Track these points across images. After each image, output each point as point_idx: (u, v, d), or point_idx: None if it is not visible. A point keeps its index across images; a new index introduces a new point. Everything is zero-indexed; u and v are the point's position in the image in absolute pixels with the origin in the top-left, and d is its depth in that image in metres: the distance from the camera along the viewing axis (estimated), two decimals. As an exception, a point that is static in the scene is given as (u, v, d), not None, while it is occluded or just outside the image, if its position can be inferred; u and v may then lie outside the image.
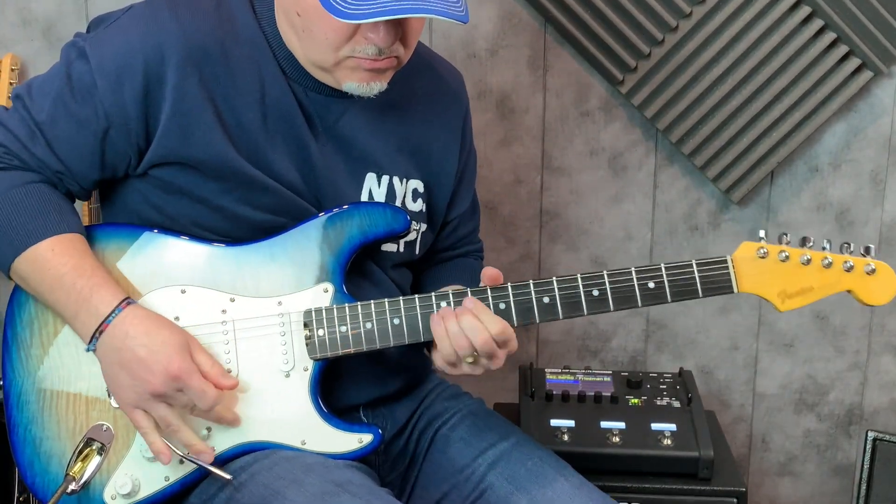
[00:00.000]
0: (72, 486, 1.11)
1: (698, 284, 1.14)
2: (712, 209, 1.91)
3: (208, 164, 1.13)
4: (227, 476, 1.11)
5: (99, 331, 1.09)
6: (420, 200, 1.28)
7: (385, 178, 1.25)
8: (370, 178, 1.24)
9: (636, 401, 1.62)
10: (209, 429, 1.14)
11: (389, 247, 1.26)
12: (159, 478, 1.14)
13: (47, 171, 1.14)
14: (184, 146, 1.12)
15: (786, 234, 1.16)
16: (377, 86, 1.14)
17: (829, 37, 1.76)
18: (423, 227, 1.30)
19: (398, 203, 1.25)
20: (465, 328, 1.09)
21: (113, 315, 1.08)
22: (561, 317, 1.14)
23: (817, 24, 1.74)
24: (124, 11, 1.15)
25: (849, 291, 1.16)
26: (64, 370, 1.16)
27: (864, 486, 1.80)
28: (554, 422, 1.58)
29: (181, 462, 1.13)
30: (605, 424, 1.57)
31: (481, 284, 1.15)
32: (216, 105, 1.13)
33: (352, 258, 1.19)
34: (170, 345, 1.09)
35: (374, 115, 1.23)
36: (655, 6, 1.74)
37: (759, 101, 1.80)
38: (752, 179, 1.84)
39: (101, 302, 1.09)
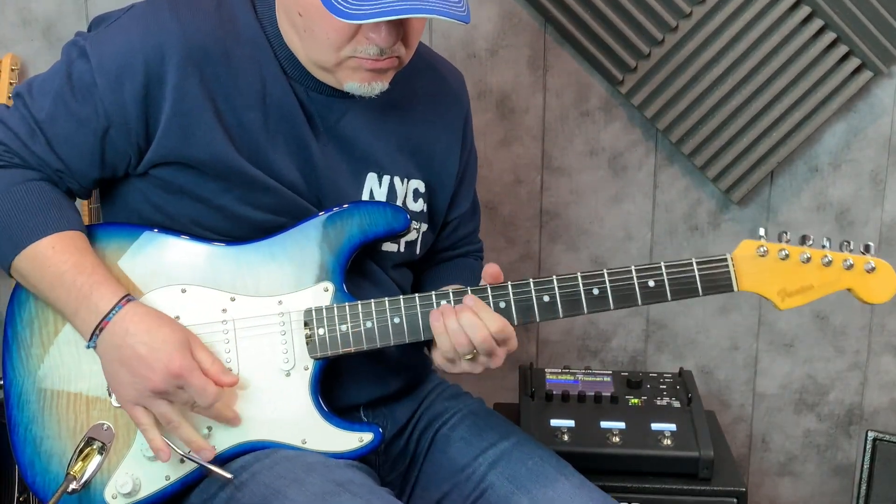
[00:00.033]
0: (72, 486, 1.11)
1: (698, 283, 1.15)
2: (712, 209, 1.92)
3: (209, 163, 1.13)
4: (228, 475, 1.12)
5: (99, 328, 1.09)
6: (421, 200, 1.28)
7: (386, 178, 1.25)
8: (371, 177, 1.24)
9: (636, 401, 1.62)
10: (210, 428, 1.14)
11: (390, 247, 1.26)
12: (160, 477, 1.14)
13: (47, 170, 1.14)
14: (184, 146, 1.12)
15: (785, 233, 1.16)
16: (378, 86, 1.14)
17: (829, 37, 1.76)
18: (424, 227, 1.30)
19: (399, 203, 1.25)
20: (464, 325, 1.09)
21: (113, 312, 1.09)
22: (561, 315, 1.14)
23: (817, 24, 1.75)
24: (125, 11, 1.16)
25: (849, 290, 1.16)
26: (64, 369, 1.16)
27: (864, 486, 1.80)
28: (554, 422, 1.58)
29: (182, 461, 1.13)
30: (605, 424, 1.57)
31: (482, 281, 1.15)
32: (217, 105, 1.13)
33: (352, 257, 1.19)
34: (170, 342, 1.09)
35: (376, 115, 1.23)
36: (655, 6, 1.75)
37: (759, 100, 1.80)
38: (752, 179, 1.85)
39: (101, 299, 1.09)
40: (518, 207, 1.93)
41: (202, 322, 1.15)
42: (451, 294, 1.14)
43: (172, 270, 1.17)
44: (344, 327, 1.16)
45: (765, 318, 1.98)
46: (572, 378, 1.71)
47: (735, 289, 1.16)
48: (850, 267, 1.15)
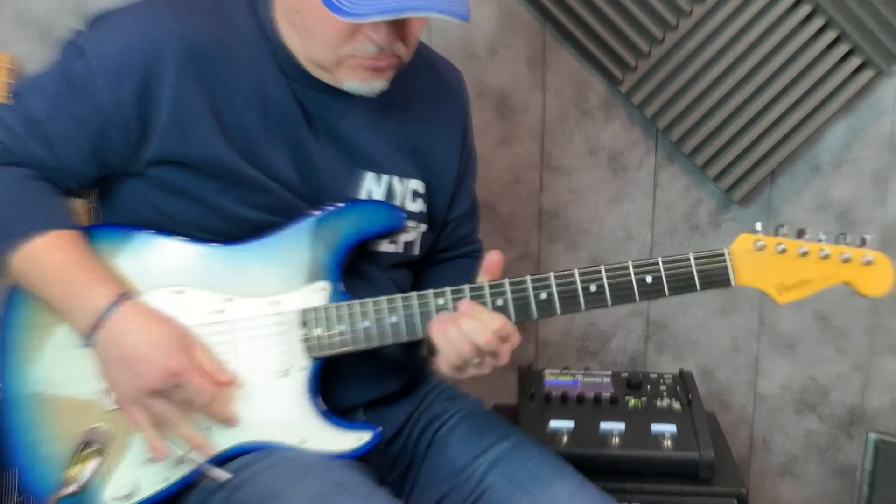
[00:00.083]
0: (71, 489, 1.11)
1: (696, 277, 1.15)
2: (713, 209, 1.92)
3: (207, 163, 1.14)
4: (227, 475, 1.12)
5: (96, 326, 1.09)
6: (420, 200, 1.28)
7: (385, 178, 1.25)
8: (369, 177, 1.24)
9: (636, 402, 1.62)
10: (208, 428, 1.14)
11: (388, 247, 1.26)
12: (159, 478, 1.14)
13: (46, 169, 1.14)
14: (182, 145, 1.13)
15: (783, 227, 1.17)
16: (378, 85, 1.15)
17: (830, 35, 1.76)
18: (423, 227, 1.29)
19: (398, 203, 1.25)
20: (465, 331, 1.09)
21: (111, 311, 1.09)
22: (559, 312, 1.14)
23: (818, 22, 1.75)
24: (124, 10, 1.16)
25: (847, 283, 1.16)
26: (60, 372, 1.16)
27: (865, 488, 1.81)
28: (553, 423, 1.58)
29: (180, 462, 1.13)
30: (604, 426, 1.57)
31: (481, 273, 1.15)
32: (215, 104, 1.13)
33: (348, 256, 1.19)
34: (168, 340, 1.09)
35: (375, 114, 1.23)
36: (656, 5, 1.75)
37: (760, 100, 1.80)
38: (753, 179, 1.85)
39: (98, 297, 1.09)
40: (517, 207, 1.93)
41: (199, 323, 1.15)
42: (448, 292, 1.14)
43: (169, 271, 1.17)
44: (341, 327, 1.16)
45: (766, 319, 1.98)
46: (572, 379, 1.71)
47: (732, 283, 1.16)
48: (848, 260, 1.15)
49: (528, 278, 1.14)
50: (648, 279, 1.14)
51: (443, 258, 1.40)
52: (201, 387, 1.09)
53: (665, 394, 1.66)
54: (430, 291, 1.16)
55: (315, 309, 1.17)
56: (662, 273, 1.14)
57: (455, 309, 1.13)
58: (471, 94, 1.41)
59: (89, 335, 1.10)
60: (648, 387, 1.68)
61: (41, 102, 1.13)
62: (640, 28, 1.76)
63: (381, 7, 1.02)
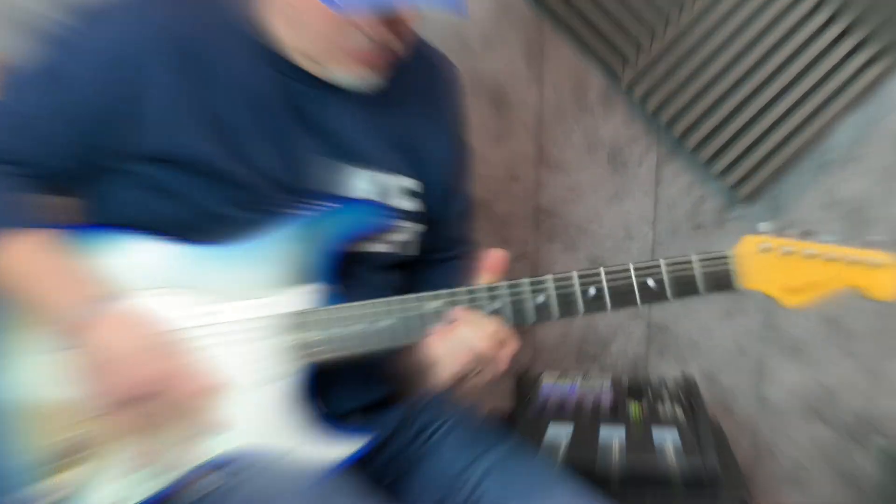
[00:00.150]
0: (54, 499, 1.10)
1: (699, 281, 1.14)
2: (718, 207, 1.91)
3: (192, 160, 1.13)
4: (215, 484, 1.10)
5: (74, 330, 1.08)
6: (412, 199, 1.28)
7: (375, 175, 1.24)
8: (361, 175, 1.23)
9: (637, 408, 1.62)
10: (194, 435, 1.13)
11: (382, 247, 1.26)
12: (145, 486, 1.13)
13: (25, 165, 1.14)
14: (167, 142, 1.12)
15: (789, 227, 1.17)
16: (371, 79, 1.15)
17: (840, 25, 1.75)
18: (416, 227, 1.29)
19: (390, 201, 1.25)
20: (461, 340, 1.10)
21: (89, 314, 1.08)
22: (557, 317, 1.13)
23: (827, 12, 1.74)
24: (109, 3, 1.15)
25: (856, 286, 1.16)
26: (36, 380, 1.15)
27: (874, 496, 1.82)
28: (551, 429, 1.57)
29: (167, 469, 1.12)
30: (604, 432, 1.57)
31: (483, 270, 1.15)
32: (202, 100, 1.13)
33: (339, 257, 1.18)
34: (150, 345, 1.09)
35: (367, 110, 1.22)
36: (657, -6, 1.75)
37: (767, 92, 1.79)
38: (760, 175, 1.84)
39: (76, 301, 1.08)
40: (513, 206, 1.93)
41: (183, 326, 1.14)
42: (445, 295, 1.14)
43: (152, 273, 1.16)
44: (332, 330, 1.15)
45: (772, 322, 1.97)
46: (570, 384, 1.71)
47: (738, 287, 1.16)
48: (857, 263, 1.14)
49: (527, 281, 1.14)
50: (650, 283, 1.13)
51: (437, 259, 1.39)
52: (184, 393, 1.09)
53: (667, 399, 1.65)
54: (426, 294, 1.15)
55: (305, 312, 1.16)
56: (664, 276, 1.13)
57: (449, 314, 1.13)
58: (465, 89, 1.41)
59: (67, 338, 1.09)
60: (650, 392, 1.68)
61: (22, 97, 1.13)
62: (641, 19, 1.75)
63: (375, 0, 1.02)
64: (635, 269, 1.15)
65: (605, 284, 1.14)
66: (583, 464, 1.50)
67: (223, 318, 1.17)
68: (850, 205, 1.91)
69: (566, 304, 1.14)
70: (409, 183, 1.28)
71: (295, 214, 1.19)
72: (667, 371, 2.00)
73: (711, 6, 1.76)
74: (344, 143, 1.23)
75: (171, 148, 1.13)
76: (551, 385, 1.72)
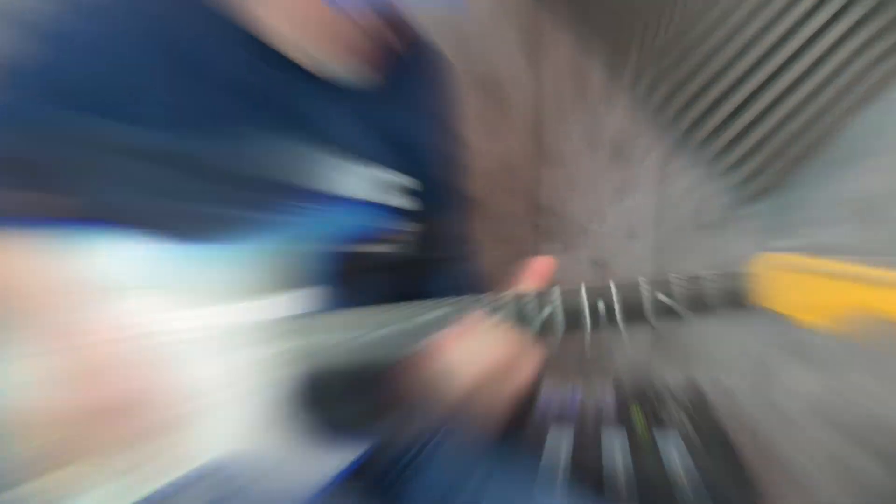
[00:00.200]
0: None
1: (713, 300, 1.12)
2: (725, 205, 1.89)
3: (174, 152, 1.13)
4: (202, 495, 1.09)
5: (53, 335, 1.07)
6: (407, 197, 1.27)
7: (370, 173, 1.23)
8: (354, 171, 1.22)
9: (640, 415, 1.62)
10: (172, 450, 1.10)
11: (376, 248, 1.25)
12: (124, 496, 1.11)
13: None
14: (145, 134, 1.12)
15: (807, 239, 1.15)
16: (364, 73, 1.15)
17: (858, 12, 1.72)
18: (413, 226, 1.28)
19: (384, 200, 1.24)
20: (477, 347, 1.08)
21: (69, 318, 1.07)
22: (561, 332, 1.11)
23: (841, 0, 1.71)
24: None
25: (877, 308, 1.14)
26: (12, 384, 1.11)
27: (887, 506, 1.81)
28: (552, 435, 1.58)
29: (144, 479, 1.11)
30: (607, 438, 1.57)
31: (527, 275, 1.13)
32: (186, 93, 1.13)
33: (332, 259, 1.18)
34: (124, 356, 1.07)
35: (360, 104, 1.22)
36: (663, -20, 1.72)
37: (778, 85, 1.76)
38: (770, 172, 1.82)
39: (56, 304, 1.08)
40: (511, 203, 1.93)
41: (166, 332, 1.12)
42: (446, 304, 1.12)
43: (132, 274, 1.14)
44: (325, 337, 1.14)
45: (786, 326, 1.96)
46: (570, 391, 1.70)
47: (753, 306, 1.14)
48: (881, 283, 1.13)
49: (536, 292, 1.10)
50: (663, 299, 1.11)
51: (436, 259, 1.38)
52: (162, 407, 1.07)
53: (671, 404, 1.66)
54: (428, 302, 1.13)
55: (298, 318, 1.14)
56: (675, 293, 1.11)
57: (463, 320, 1.10)
58: (460, 80, 1.40)
59: (44, 343, 1.07)
60: (654, 396, 1.67)
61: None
62: (645, 6, 1.74)
63: None
64: (646, 285, 1.14)
65: (615, 299, 1.13)
66: (585, 470, 1.49)
67: (209, 325, 1.16)
68: (867, 204, 1.89)
69: (573, 319, 1.11)
70: (404, 181, 1.27)
71: (285, 213, 1.18)
72: (671, 375, 1.96)
73: (719, -6, 1.74)
74: (337, 138, 1.22)
75: (152, 139, 1.12)
76: (552, 390, 1.71)
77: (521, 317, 1.10)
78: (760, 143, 1.83)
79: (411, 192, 1.27)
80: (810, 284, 1.14)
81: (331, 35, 1.10)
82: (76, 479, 1.13)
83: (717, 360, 1.98)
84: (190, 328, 1.15)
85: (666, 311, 1.12)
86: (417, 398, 1.23)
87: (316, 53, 1.12)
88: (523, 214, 1.93)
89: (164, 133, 1.11)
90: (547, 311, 1.12)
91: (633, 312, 1.13)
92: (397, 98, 1.27)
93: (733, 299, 1.14)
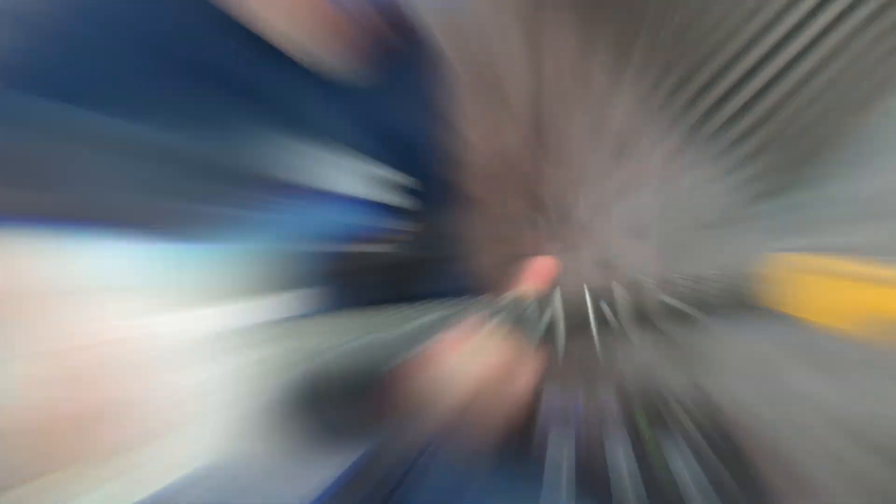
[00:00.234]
0: None
1: (718, 302, 1.11)
2: (734, 203, 1.87)
3: (157, 143, 1.12)
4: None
5: (25, 339, 1.04)
6: (402, 195, 1.27)
7: (363, 169, 1.23)
8: (346, 168, 1.22)
9: (646, 423, 1.61)
10: (158, 458, 1.11)
11: (370, 248, 1.25)
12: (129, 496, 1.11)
13: None
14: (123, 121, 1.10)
15: (819, 239, 1.15)
16: (359, 67, 1.15)
17: (872, 5, 1.69)
18: (408, 224, 1.29)
19: (378, 198, 1.24)
20: (473, 355, 1.07)
21: (41, 322, 1.05)
22: (564, 337, 1.09)
23: None
24: None
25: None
26: None
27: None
28: (552, 447, 1.55)
29: (131, 486, 1.10)
30: (610, 450, 1.55)
31: (527, 276, 1.12)
32: (161, 76, 1.12)
33: (326, 260, 1.18)
34: (107, 361, 1.05)
35: (354, 99, 1.21)
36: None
37: (793, 75, 1.74)
38: (782, 168, 1.81)
39: (28, 307, 1.05)
40: (509, 201, 1.91)
41: (149, 337, 1.10)
42: (442, 305, 1.11)
43: (112, 275, 1.13)
44: (317, 343, 1.14)
45: (797, 328, 1.95)
46: (572, 398, 1.69)
47: (763, 309, 1.14)
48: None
49: (533, 296, 1.10)
50: (667, 301, 1.11)
51: (430, 260, 1.37)
52: (133, 421, 1.05)
53: (679, 412, 1.64)
54: (423, 304, 1.12)
55: (287, 321, 1.13)
56: (682, 294, 1.11)
57: (454, 325, 1.09)
58: (459, 75, 1.41)
59: (15, 348, 1.05)
60: (661, 407, 1.66)
61: None
62: (651, -4, 1.73)
63: None
64: (652, 286, 1.14)
65: (619, 301, 1.12)
66: (590, 478, 1.48)
67: (196, 327, 1.16)
68: (879, 201, 1.88)
69: (576, 321, 1.10)
70: (400, 178, 1.28)
71: (276, 211, 1.19)
72: (677, 379, 1.96)
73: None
74: (330, 133, 1.22)
75: (137, 132, 1.11)
76: (553, 398, 1.69)
77: (521, 320, 1.10)
78: (770, 138, 1.82)
79: (407, 190, 1.28)
80: (823, 286, 1.14)
81: (325, 28, 1.11)
82: (59, 487, 1.13)
83: (725, 364, 1.97)
84: (176, 332, 1.15)
85: (672, 313, 1.13)
86: (413, 406, 1.23)
87: (310, 46, 1.13)
88: (523, 213, 1.92)
89: (149, 126, 1.12)
90: (548, 313, 1.12)
91: (639, 315, 1.13)
92: (393, 93, 1.28)
93: (742, 301, 1.14)
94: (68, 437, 1.07)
